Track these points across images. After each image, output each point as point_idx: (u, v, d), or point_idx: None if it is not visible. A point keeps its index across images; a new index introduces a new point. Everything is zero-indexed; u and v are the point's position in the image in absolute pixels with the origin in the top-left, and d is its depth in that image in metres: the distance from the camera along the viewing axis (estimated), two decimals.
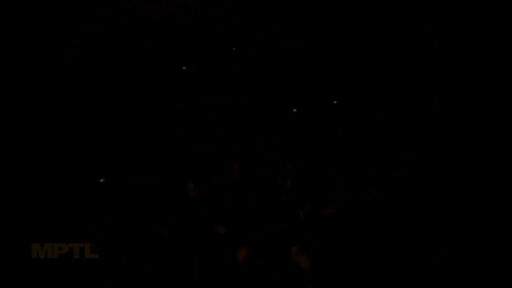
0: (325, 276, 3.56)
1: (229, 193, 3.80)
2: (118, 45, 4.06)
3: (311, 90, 4.09)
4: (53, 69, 3.91)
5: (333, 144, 3.98)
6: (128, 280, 3.56)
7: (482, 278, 3.42)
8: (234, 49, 3.76)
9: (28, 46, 3.87)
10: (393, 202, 3.79)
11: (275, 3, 4.10)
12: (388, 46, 4.11)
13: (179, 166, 3.97)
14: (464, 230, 3.61)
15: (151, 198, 3.82)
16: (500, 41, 3.77)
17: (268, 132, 4.03)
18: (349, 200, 3.74)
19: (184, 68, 3.88)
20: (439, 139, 3.86)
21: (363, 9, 4.10)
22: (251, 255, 3.58)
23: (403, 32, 4.12)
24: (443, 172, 3.73)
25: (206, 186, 3.83)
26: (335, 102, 4.01)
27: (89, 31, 4.03)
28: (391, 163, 3.89)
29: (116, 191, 3.83)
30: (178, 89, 4.12)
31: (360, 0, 4.10)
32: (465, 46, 3.84)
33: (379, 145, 3.96)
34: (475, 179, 3.68)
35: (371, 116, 4.03)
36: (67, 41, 3.97)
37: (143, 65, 4.07)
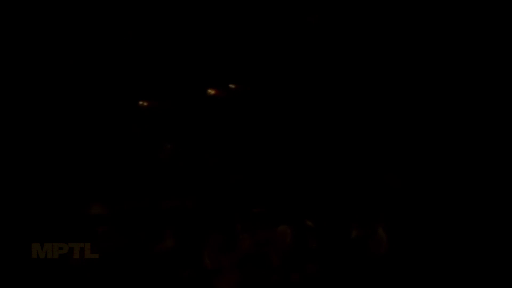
0: (324, 275, 3.57)
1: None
2: (118, 45, 4.07)
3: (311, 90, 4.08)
4: (53, 69, 3.93)
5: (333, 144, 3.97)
6: (128, 280, 3.57)
7: (481, 278, 3.42)
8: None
9: (28, 46, 3.88)
10: (394, 202, 3.79)
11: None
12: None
13: (179, 166, 3.98)
14: (464, 230, 3.60)
15: (151, 198, 3.83)
16: (500, 41, 3.77)
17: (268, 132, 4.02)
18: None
19: None
20: (439, 139, 3.85)
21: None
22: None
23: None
24: (442, 172, 3.72)
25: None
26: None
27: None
28: (391, 164, 3.88)
29: (116, 191, 3.83)
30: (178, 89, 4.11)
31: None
32: (465, 46, 3.85)
33: (378, 144, 3.95)
34: (475, 178, 3.68)
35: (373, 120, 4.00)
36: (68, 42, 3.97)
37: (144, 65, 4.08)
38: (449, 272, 3.49)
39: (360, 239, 3.62)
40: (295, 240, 3.62)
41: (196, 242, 3.60)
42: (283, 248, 3.60)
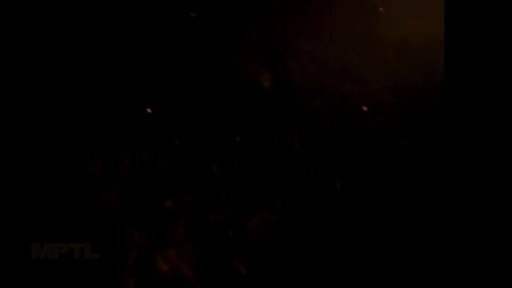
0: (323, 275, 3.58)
1: None
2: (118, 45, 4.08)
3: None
4: (53, 69, 3.93)
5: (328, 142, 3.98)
6: (128, 280, 3.58)
7: (480, 278, 3.41)
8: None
9: (27, 46, 3.88)
10: (389, 200, 3.80)
11: None
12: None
13: (179, 165, 3.99)
14: (462, 230, 3.59)
15: (151, 197, 3.84)
16: (500, 41, 3.75)
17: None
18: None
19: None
20: (439, 138, 3.85)
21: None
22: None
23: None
24: (441, 172, 3.72)
25: None
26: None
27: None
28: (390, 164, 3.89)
29: (116, 190, 3.84)
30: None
31: None
32: (465, 45, 3.83)
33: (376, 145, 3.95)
34: (474, 178, 3.66)
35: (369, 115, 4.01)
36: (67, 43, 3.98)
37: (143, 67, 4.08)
38: (448, 272, 3.48)
39: None
40: None
41: None
42: None
